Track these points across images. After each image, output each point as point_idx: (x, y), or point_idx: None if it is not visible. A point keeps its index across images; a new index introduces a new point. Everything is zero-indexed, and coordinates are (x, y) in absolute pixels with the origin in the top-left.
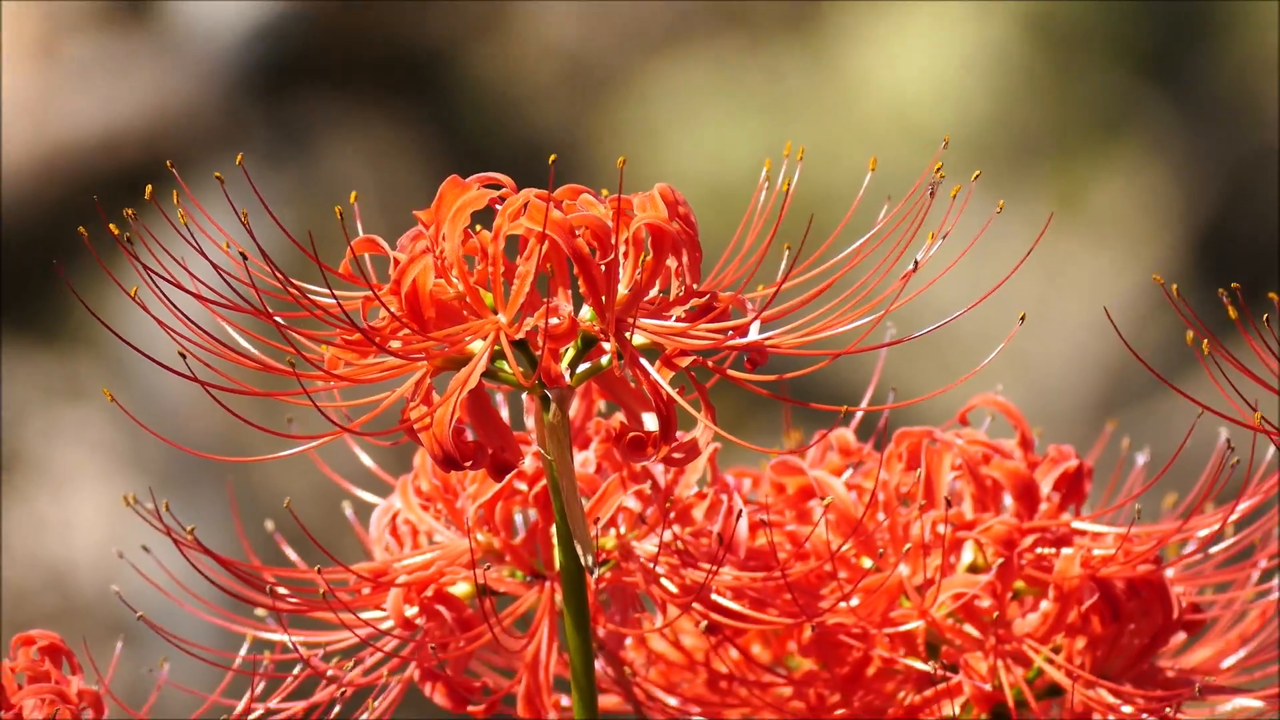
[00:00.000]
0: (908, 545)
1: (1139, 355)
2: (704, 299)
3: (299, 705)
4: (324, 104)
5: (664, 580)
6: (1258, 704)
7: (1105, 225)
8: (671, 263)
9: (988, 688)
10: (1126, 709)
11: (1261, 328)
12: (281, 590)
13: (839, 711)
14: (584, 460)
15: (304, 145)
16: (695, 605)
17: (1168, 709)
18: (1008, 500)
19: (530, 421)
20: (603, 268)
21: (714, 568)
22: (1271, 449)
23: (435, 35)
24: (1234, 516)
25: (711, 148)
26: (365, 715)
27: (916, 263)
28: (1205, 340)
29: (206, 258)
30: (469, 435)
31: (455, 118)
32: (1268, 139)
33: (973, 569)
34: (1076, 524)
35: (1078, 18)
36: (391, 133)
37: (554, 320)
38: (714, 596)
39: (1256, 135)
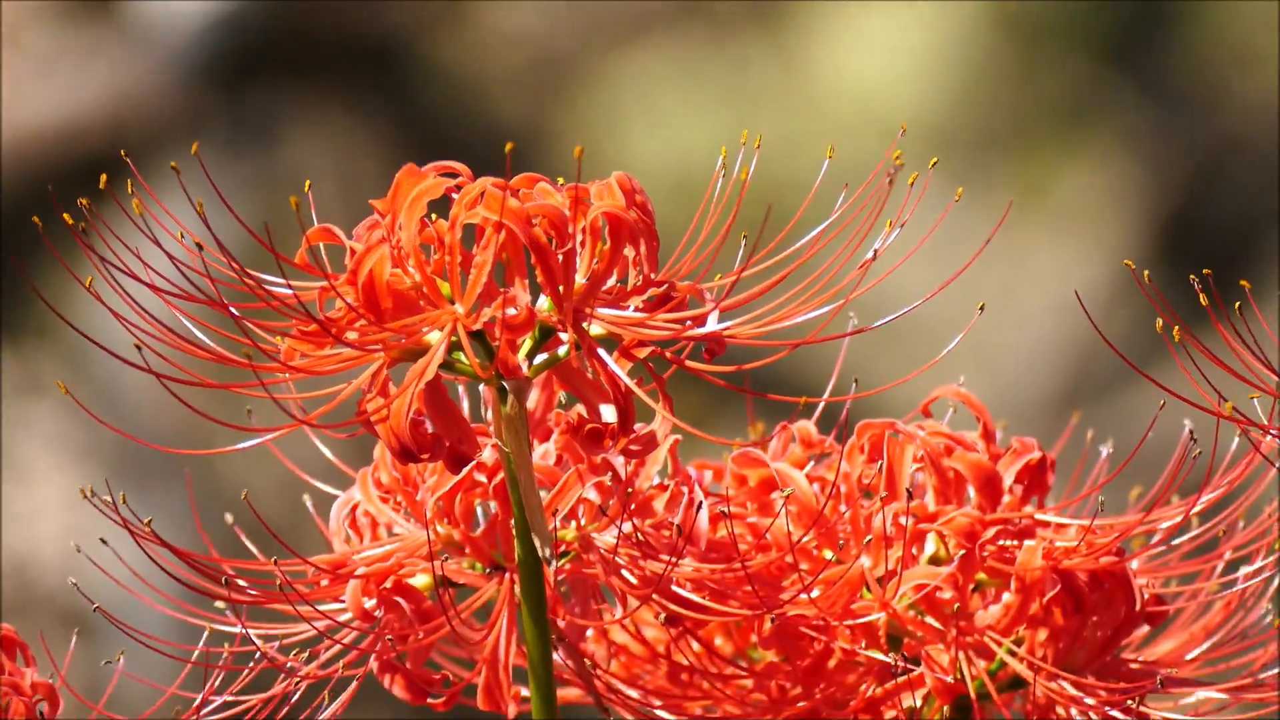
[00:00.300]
0: (869, 537)
1: (1108, 340)
2: (662, 289)
3: (256, 698)
4: (284, 95)
5: (624, 572)
6: (1221, 696)
7: (1069, 215)
8: (629, 252)
9: (950, 680)
10: (1089, 701)
11: (1233, 315)
12: (240, 582)
13: (800, 704)
14: (544, 452)
15: (264, 136)
16: (655, 597)
17: (1130, 701)
18: (970, 492)
19: (489, 413)
20: (560, 257)
21: (674, 559)
22: (1235, 440)
23: (396, 24)
24: (1197, 508)
25: (674, 140)
26: (324, 711)
27: (876, 251)
28: (1176, 327)
29: (162, 248)
30: (427, 427)
31: (416, 108)
32: (1231, 128)
33: (934, 561)
34: (1039, 516)
35: (1042, 8)
36: (352, 123)
37: (511, 311)
38: (674, 588)
39: (1220, 124)
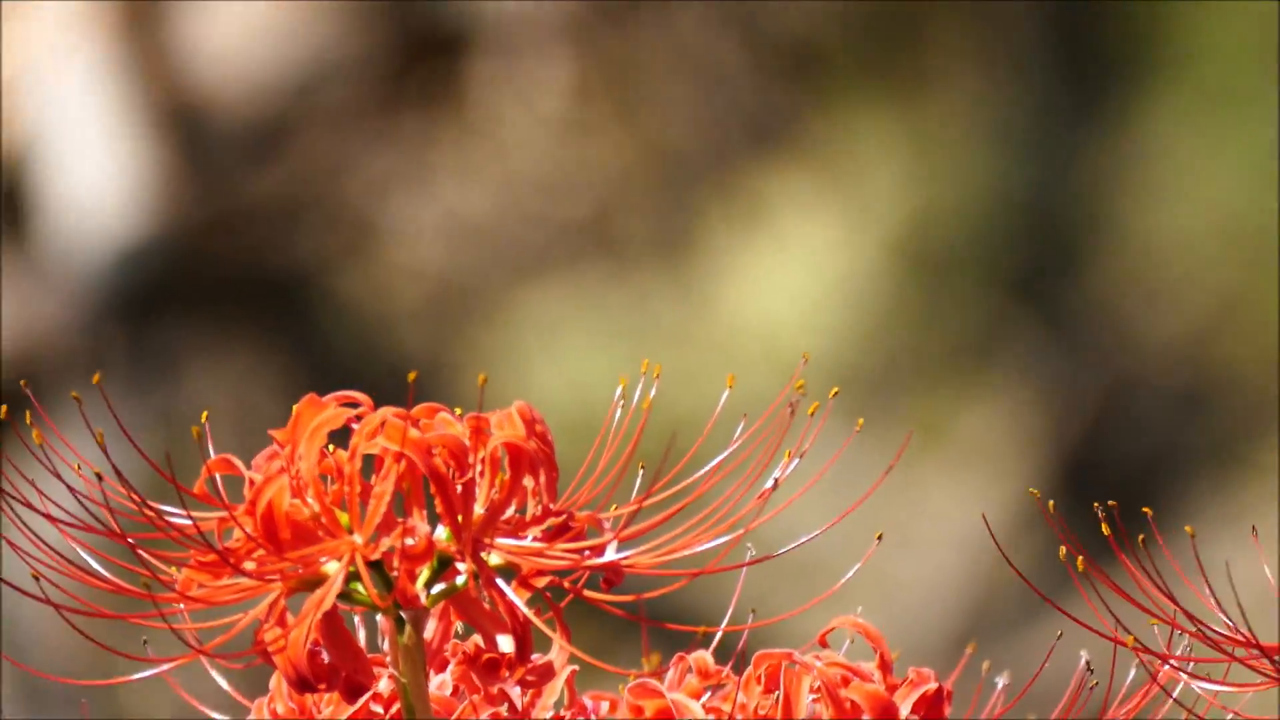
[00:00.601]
0: None
1: (1014, 565)
2: (561, 518)
3: None
4: (187, 328)
5: None
6: None
7: (970, 452)
8: (529, 482)
9: None
10: None
11: (1136, 548)
12: None
13: None
14: (441, 682)
15: (167, 369)
16: None
17: None
18: None
19: (386, 643)
20: (459, 487)
21: None
22: (1133, 670)
23: (300, 259)
24: None
25: (575, 373)
26: None
27: (776, 481)
28: (1079, 557)
29: (61, 479)
30: (324, 657)
31: (320, 341)
32: (1134, 366)
33: None
34: None
35: (948, 244)
36: (255, 357)
37: (410, 541)
38: None
39: (1123, 363)
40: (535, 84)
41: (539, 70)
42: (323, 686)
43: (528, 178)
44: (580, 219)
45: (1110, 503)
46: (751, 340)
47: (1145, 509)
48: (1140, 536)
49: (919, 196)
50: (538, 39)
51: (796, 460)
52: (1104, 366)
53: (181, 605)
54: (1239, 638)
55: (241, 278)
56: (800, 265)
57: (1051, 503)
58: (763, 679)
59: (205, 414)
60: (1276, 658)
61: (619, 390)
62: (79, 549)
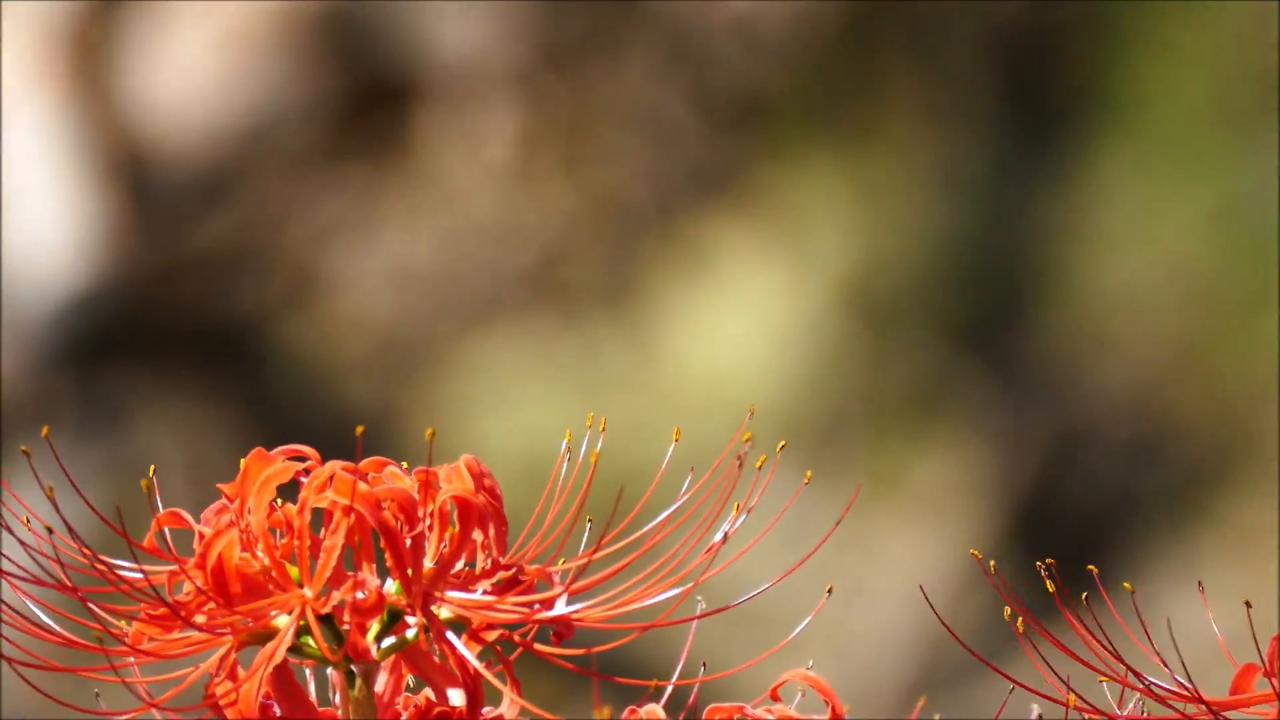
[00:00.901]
0: None
1: (955, 634)
2: (510, 572)
3: None
4: (136, 379)
5: None
6: None
7: (921, 502)
8: (478, 535)
9: None
10: None
11: (1080, 605)
12: None
13: None
14: None
15: (115, 420)
16: None
17: None
18: None
19: (337, 696)
20: (409, 541)
21: None
22: None
23: (248, 310)
24: None
25: (524, 423)
26: None
27: (726, 534)
28: (1020, 618)
29: (12, 533)
30: (275, 710)
31: (267, 391)
32: (1085, 416)
33: None
34: None
35: (897, 291)
36: (203, 406)
37: (360, 594)
38: None
39: (1074, 412)
40: (482, 133)
41: (486, 120)
42: None
43: (474, 227)
44: (527, 268)
45: (1049, 560)
46: (699, 388)
47: (1091, 567)
48: (1084, 594)
49: (866, 245)
50: (485, 89)
51: (745, 514)
52: (1054, 416)
53: (133, 659)
54: (1185, 693)
55: (189, 327)
56: (748, 314)
57: (993, 563)
58: None
59: (153, 468)
60: (1223, 714)
61: (565, 443)
62: (29, 603)
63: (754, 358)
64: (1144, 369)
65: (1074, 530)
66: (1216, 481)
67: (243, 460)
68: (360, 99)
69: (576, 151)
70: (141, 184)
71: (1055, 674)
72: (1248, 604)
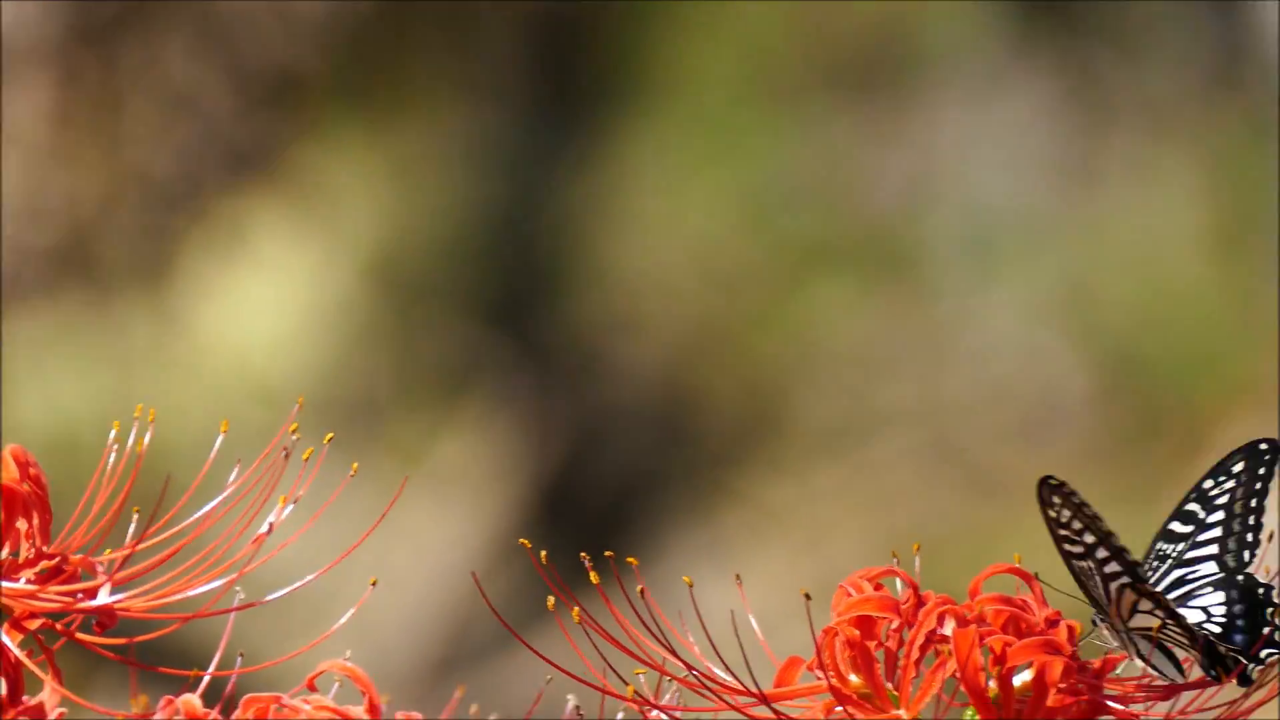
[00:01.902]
0: None
1: (493, 606)
2: (54, 561)
3: None
4: None
5: None
6: None
7: (449, 481)
8: (22, 524)
9: None
10: None
11: (613, 586)
12: None
13: None
14: None
15: None
16: None
17: None
18: None
19: None
20: None
21: None
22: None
23: None
24: None
25: (57, 401)
26: None
27: (271, 525)
28: (552, 599)
29: None
30: None
31: None
32: (611, 394)
33: None
34: None
35: (426, 269)
36: None
37: None
38: None
39: (600, 391)
40: (14, 110)
41: (18, 96)
42: None
43: (6, 204)
44: (58, 246)
45: (582, 555)
46: (230, 368)
47: (631, 559)
48: (616, 572)
49: (397, 224)
50: (17, 65)
51: (291, 505)
52: (581, 394)
53: None
54: (733, 685)
55: None
56: (280, 291)
57: (544, 553)
58: None
59: None
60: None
61: (112, 435)
62: None
63: (285, 335)
64: (670, 349)
65: (602, 506)
66: (740, 460)
67: None
68: None
69: (110, 129)
70: None
71: (602, 656)
72: (807, 595)
